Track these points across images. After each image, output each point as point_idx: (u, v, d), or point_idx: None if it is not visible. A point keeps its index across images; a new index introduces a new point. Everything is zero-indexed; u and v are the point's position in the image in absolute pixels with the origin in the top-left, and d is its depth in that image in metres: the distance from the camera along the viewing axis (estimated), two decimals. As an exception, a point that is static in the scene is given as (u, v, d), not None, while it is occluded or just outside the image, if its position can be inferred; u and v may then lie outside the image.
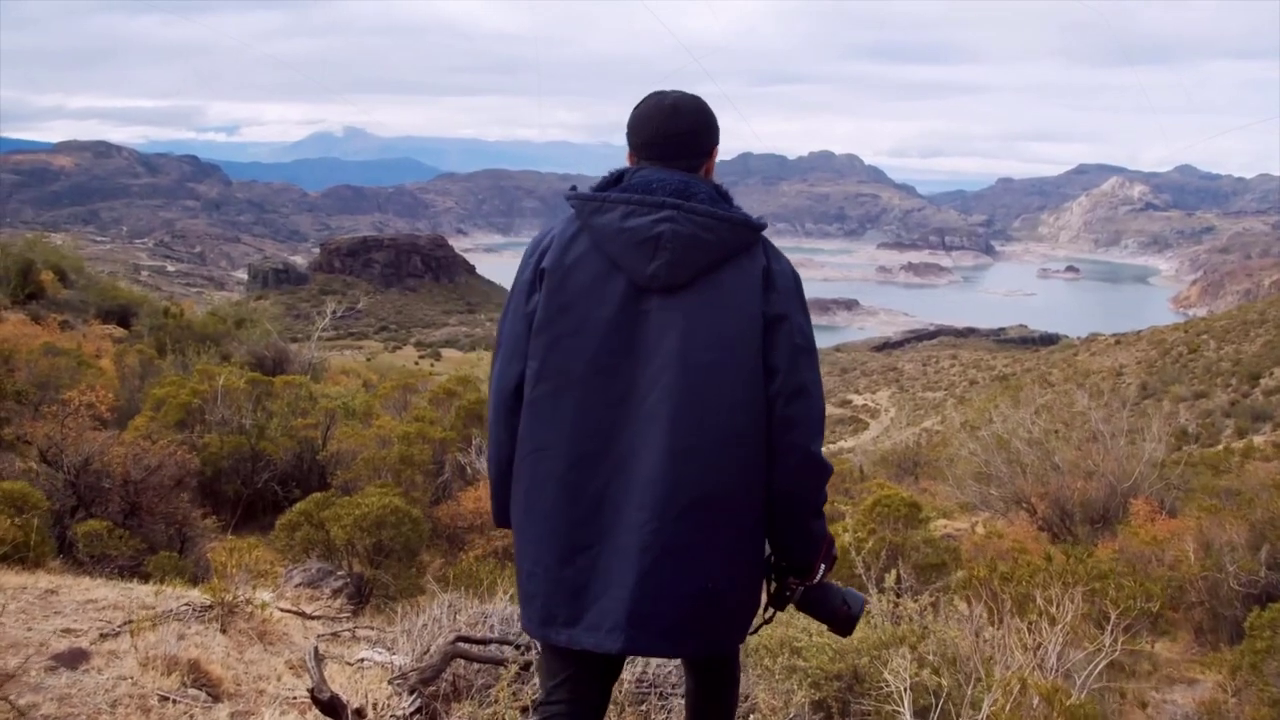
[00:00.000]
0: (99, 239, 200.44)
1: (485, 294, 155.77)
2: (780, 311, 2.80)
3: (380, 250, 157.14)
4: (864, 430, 62.52)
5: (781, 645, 4.58)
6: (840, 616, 2.99)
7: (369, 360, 47.27)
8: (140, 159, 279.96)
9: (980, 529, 10.86)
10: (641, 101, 2.96)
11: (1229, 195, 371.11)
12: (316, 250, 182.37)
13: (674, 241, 2.73)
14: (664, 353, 2.72)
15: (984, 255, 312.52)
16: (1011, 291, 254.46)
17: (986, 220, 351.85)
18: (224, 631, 5.01)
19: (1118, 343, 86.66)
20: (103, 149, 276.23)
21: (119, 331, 25.35)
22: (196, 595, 5.30)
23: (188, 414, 9.12)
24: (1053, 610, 3.76)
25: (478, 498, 7.68)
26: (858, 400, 77.58)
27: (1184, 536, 7.26)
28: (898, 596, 4.80)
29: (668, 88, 3.01)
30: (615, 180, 2.90)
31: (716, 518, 2.72)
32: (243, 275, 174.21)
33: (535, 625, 2.82)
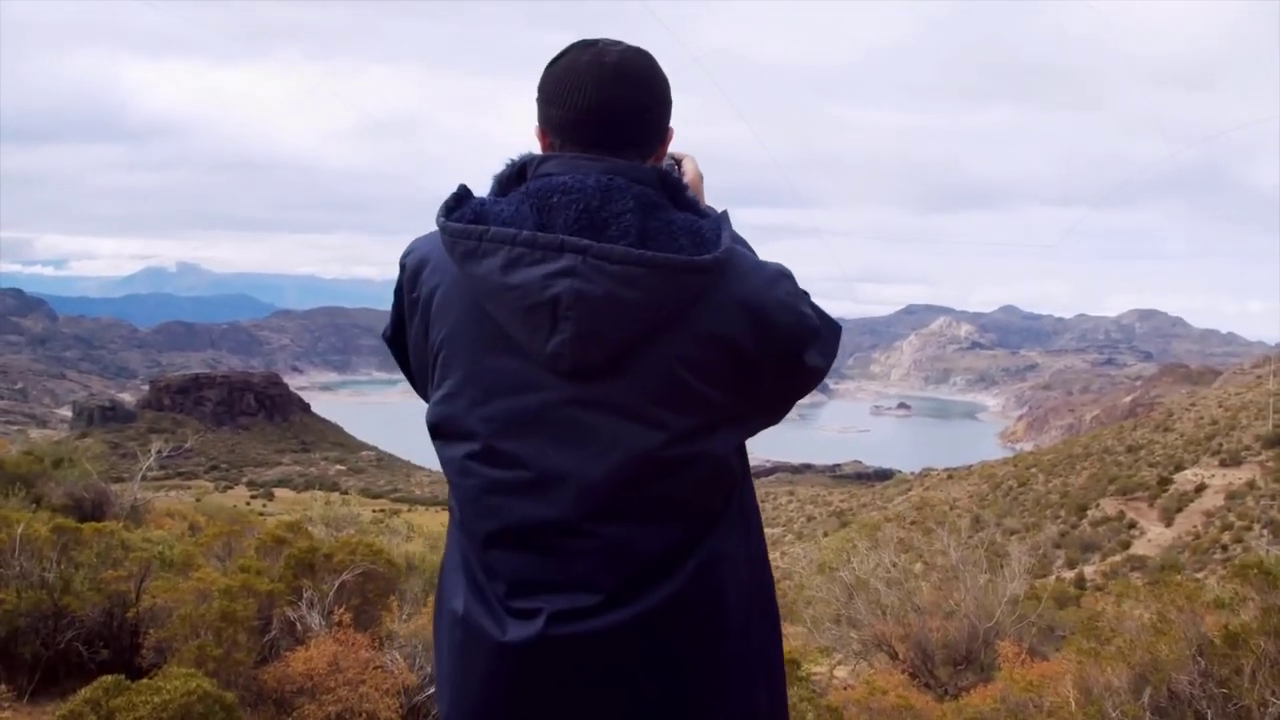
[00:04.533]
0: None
1: (320, 433, 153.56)
2: (790, 358, 1.99)
3: (212, 388, 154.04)
4: (707, 567, 62.08)
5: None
6: None
7: (198, 501, 45.48)
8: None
9: (842, 673, 10.47)
10: (563, 54, 2.03)
11: (1050, 334, 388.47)
12: (146, 387, 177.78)
13: (578, 307, 1.83)
14: (588, 465, 1.89)
15: (819, 393, 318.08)
16: (846, 428, 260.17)
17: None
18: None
19: (950, 477, 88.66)
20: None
21: (-77, 472, 23.77)
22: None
23: (-20, 566, 8.25)
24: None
25: (308, 658, 6.99)
26: (699, 537, 77.19)
27: (1062, 680, 6.95)
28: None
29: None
30: (516, 176, 2.03)
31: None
32: (67, 413, 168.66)
33: None
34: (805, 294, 2.08)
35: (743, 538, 2.06)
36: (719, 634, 2.01)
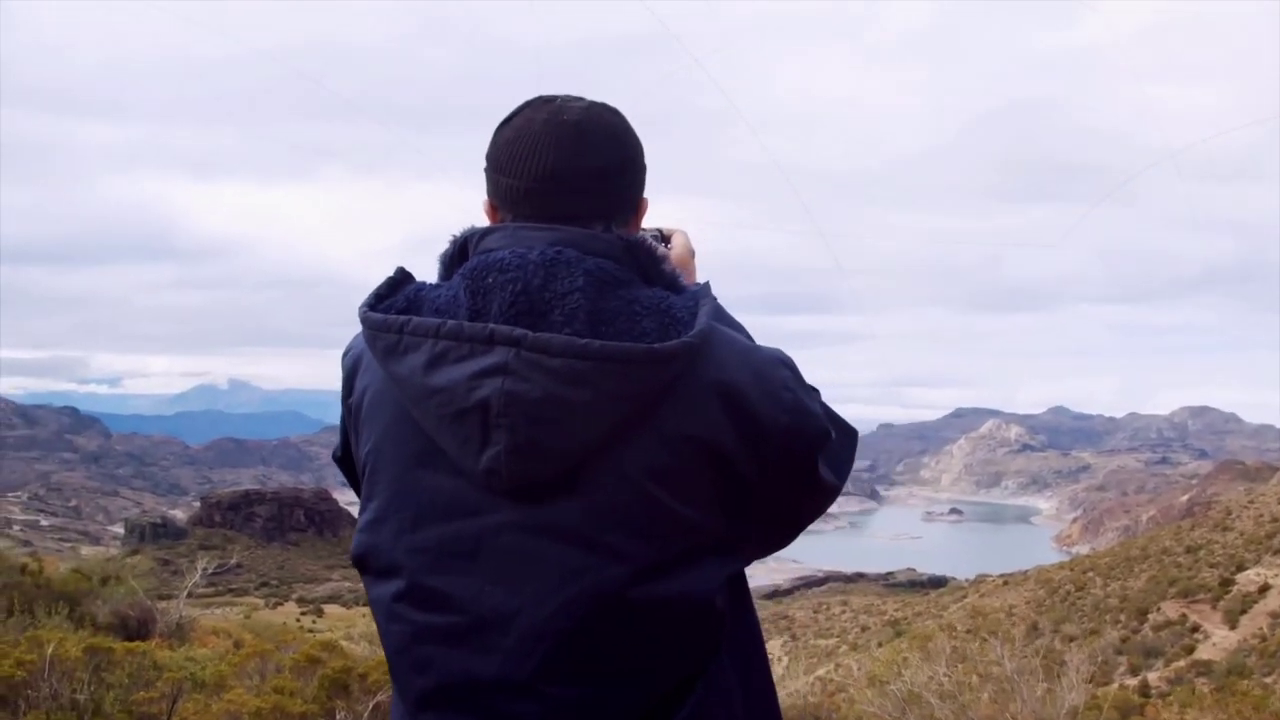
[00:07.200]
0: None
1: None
2: (793, 468, 1.62)
3: (262, 504, 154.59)
4: (759, 679, 61.12)
5: None
6: None
7: (246, 618, 45.39)
8: (17, 410, 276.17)
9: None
10: (515, 113, 1.69)
11: (1101, 434, 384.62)
12: (197, 504, 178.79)
13: (512, 413, 1.47)
14: (534, 607, 1.52)
15: (869, 500, 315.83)
16: (898, 535, 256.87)
17: (870, 465, 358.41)
18: None
19: (1006, 583, 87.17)
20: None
21: (-29, 592, 23.80)
22: None
23: (10, 688, 8.14)
24: None
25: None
26: (751, 648, 76.19)
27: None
28: None
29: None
30: (459, 255, 1.67)
31: None
32: (119, 529, 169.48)
33: None
34: (813, 389, 1.71)
35: (740, 685, 1.66)
36: None
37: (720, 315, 1.65)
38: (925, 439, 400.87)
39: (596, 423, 1.48)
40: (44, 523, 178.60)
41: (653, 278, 1.63)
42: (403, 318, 1.56)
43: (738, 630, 1.68)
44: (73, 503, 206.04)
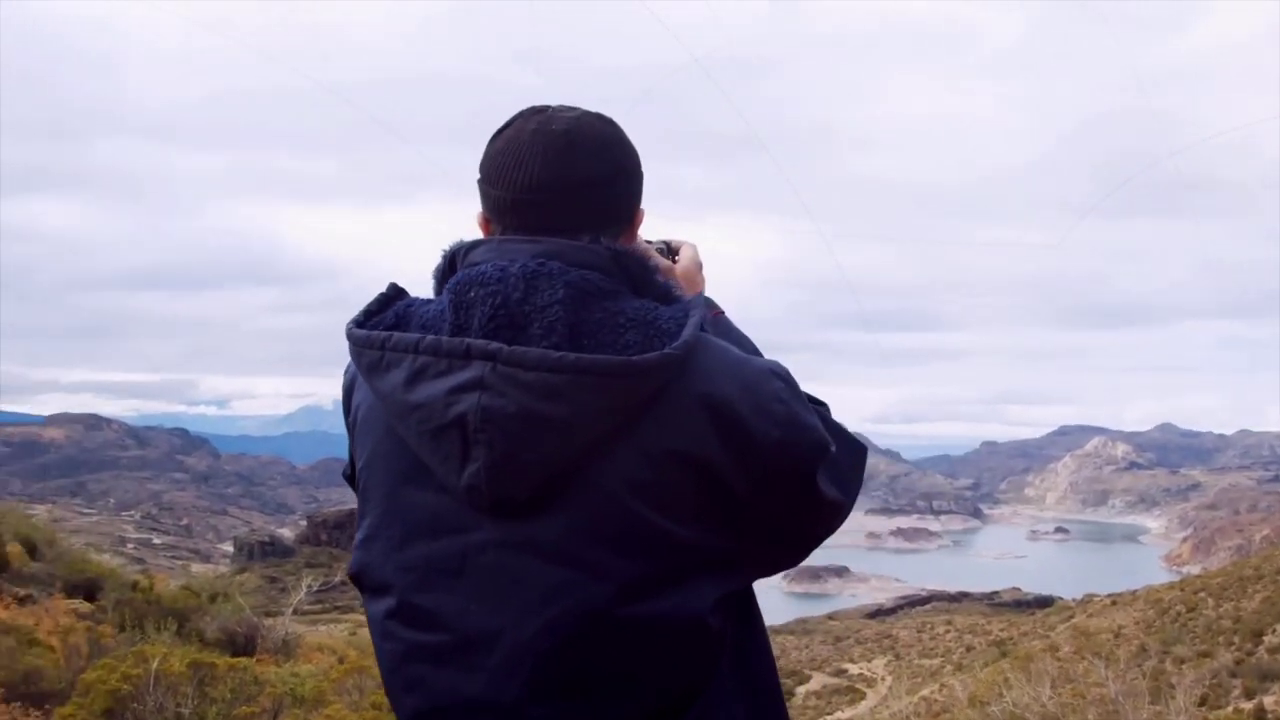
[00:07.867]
0: (86, 511, 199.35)
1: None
2: (790, 483, 1.55)
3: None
4: (861, 700, 60.57)
5: None
6: None
7: (352, 635, 45.97)
8: (130, 432, 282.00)
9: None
10: (507, 125, 1.64)
11: (1211, 452, 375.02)
12: (304, 523, 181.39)
13: (489, 428, 1.43)
14: (517, 626, 1.49)
15: (972, 519, 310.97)
16: (1002, 554, 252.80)
17: (973, 484, 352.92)
18: None
19: (1114, 603, 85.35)
20: (93, 422, 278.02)
21: (85, 606, 24.41)
22: None
23: (117, 701, 8.33)
24: None
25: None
26: (853, 669, 75.52)
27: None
28: None
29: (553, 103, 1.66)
30: (449, 269, 1.64)
31: None
32: (229, 548, 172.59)
33: None
34: (818, 402, 1.67)
35: (747, 717, 1.60)
36: None
37: (722, 327, 1.65)
38: (1029, 457, 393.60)
39: (575, 437, 1.44)
40: (156, 541, 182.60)
41: (643, 289, 1.58)
42: (384, 334, 1.53)
43: (747, 656, 1.63)
44: (184, 521, 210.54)
